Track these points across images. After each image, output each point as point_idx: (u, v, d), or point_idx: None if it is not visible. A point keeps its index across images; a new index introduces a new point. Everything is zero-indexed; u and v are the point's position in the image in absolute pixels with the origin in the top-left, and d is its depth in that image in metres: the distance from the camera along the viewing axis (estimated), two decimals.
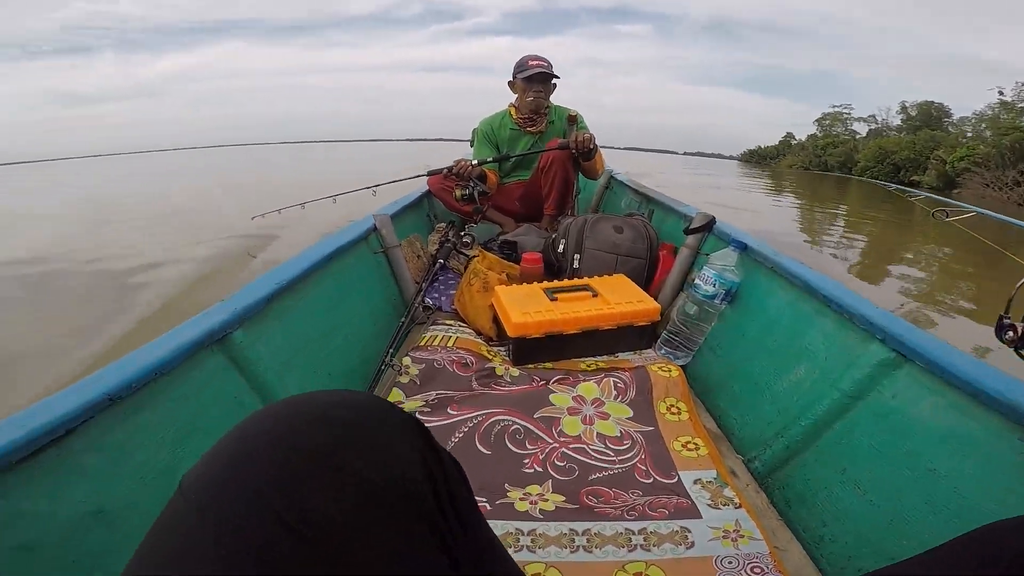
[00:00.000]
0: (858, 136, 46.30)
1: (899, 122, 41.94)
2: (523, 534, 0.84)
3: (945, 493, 0.71)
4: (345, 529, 0.27)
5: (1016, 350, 0.56)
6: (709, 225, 1.59)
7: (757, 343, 1.21)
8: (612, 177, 2.85)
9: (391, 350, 1.24)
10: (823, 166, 45.67)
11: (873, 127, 44.88)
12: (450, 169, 2.22)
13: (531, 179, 2.37)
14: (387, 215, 1.68)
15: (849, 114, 49.19)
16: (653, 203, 2.16)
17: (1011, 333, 0.55)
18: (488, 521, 0.84)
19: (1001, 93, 31.68)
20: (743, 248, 1.33)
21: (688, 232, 1.62)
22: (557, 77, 2.31)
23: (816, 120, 51.30)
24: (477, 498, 0.90)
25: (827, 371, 0.99)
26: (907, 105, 41.60)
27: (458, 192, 2.19)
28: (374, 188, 2.31)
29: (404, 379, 1.19)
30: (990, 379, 0.71)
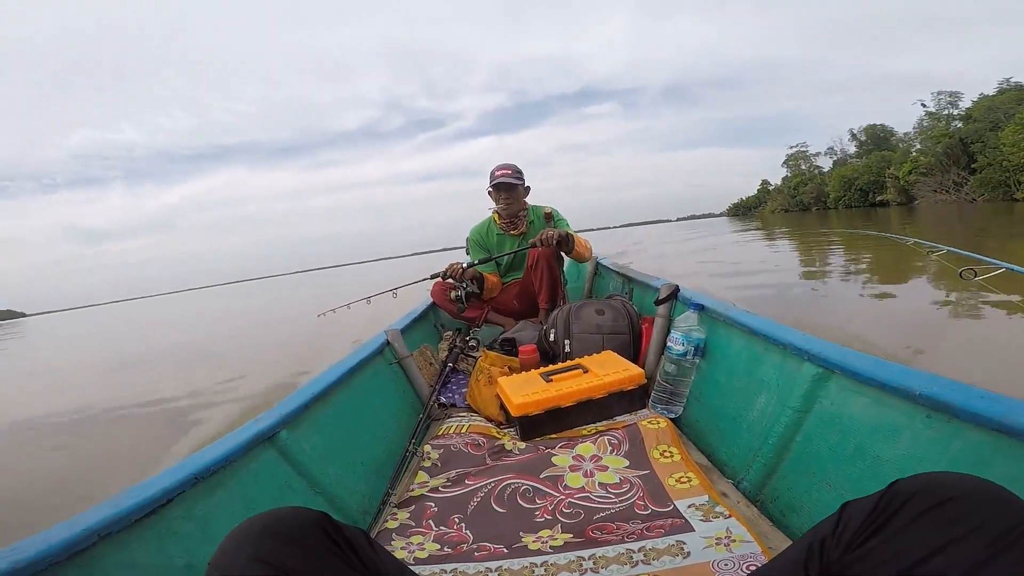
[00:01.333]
0: (824, 170, 47.26)
1: (853, 148, 43.61)
2: (537, 566, 0.97)
3: (892, 474, 0.81)
4: None
5: None
6: (674, 294, 1.80)
7: (728, 385, 1.38)
8: (599, 264, 3.11)
9: (413, 441, 1.43)
10: (800, 205, 47.33)
11: (836, 158, 46.26)
12: (444, 273, 2.48)
13: (524, 278, 2.59)
14: (397, 329, 1.93)
15: (806, 151, 50.73)
16: (633, 282, 2.39)
17: None
18: (507, 561, 1.01)
19: (924, 105, 34.06)
20: (701, 308, 1.53)
21: (658, 303, 1.82)
22: (520, 183, 2.53)
23: (783, 163, 52.82)
24: (495, 545, 1.06)
25: (780, 395, 1.16)
26: (855, 132, 43.60)
27: (452, 294, 2.43)
28: (394, 291, 2.79)
29: (427, 463, 1.36)
30: (893, 374, 0.88)
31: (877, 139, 40.92)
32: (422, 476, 1.33)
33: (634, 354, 1.89)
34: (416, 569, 1.00)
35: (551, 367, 1.76)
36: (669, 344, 1.57)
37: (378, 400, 1.59)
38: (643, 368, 1.68)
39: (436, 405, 1.77)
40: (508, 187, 2.53)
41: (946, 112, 32.06)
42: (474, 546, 1.06)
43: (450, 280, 2.48)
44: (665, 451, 1.32)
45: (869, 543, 0.42)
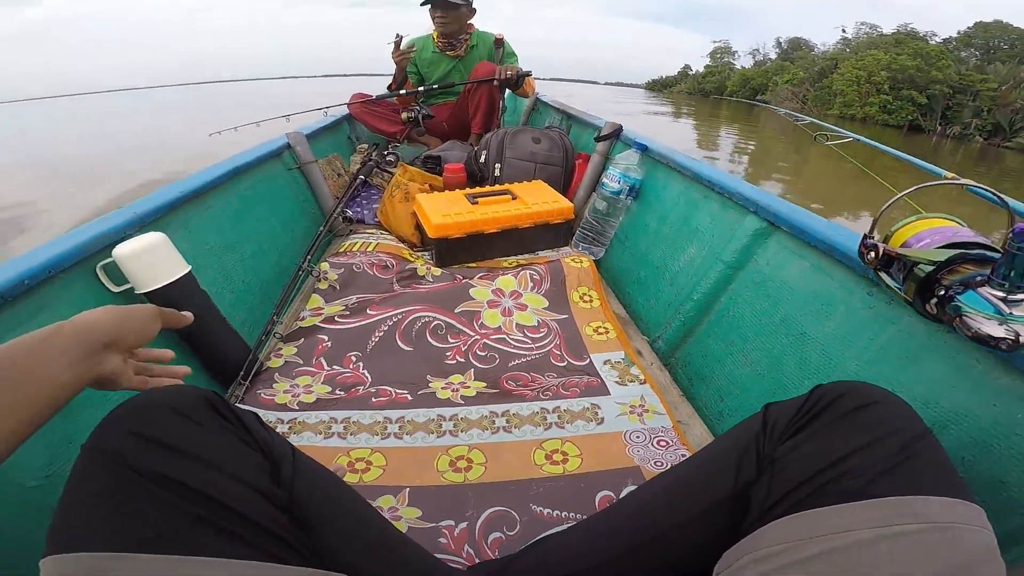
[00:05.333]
0: (736, 67, 49.51)
1: (774, 55, 44.91)
2: (445, 419, 0.83)
3: (815, 355, 0.74)
4: None
5: (876, 271, 0.53)
6: (617, 132, 1.59)
7: (657, 231, 1.23)
8: (538, 99, 2.83)
9: (309, 258, 1.15)
10: (702, 92, 51.00)
11: (758, 59, 47.83)
12: (389, 99, 2.18)
13: (458, 101, 2.26)
14: (301, 133, 1.55)
15: (728, 48, 52.26)
16: (572, 118, 2.14)
17: (872, 254, 0.51)
18: (411, 410, 0.82)
19: (844, 31, 36.19)
20: (644, 149, 1.35)
21: (598, 140, 1.61)
22: (463, 3, 2.14)
23: (708, 53, 53.94)
24: (398, 391, 0.87)
25: (713, 246, 1.02)
26: (781, 40, 45.15)
27: (404, 115, 2.14)
28: (325, 109, 2.22)
29: (323, 285, 1.12)
30: (841, 237, 0.74)
31: (796, 50, 42.45)
32: (315, 301, 1.09)
33: (564, 188, 1.69)
34: (302, 416, 0.80)
35: (479, 189, 1.51)
36: (604, 180, 1.40)
37: (268, 206, 1.26)
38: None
39: (340, 218, 1.48)
40: (445, 5, 2.10)
41: (857, 40, 33.16)
42: (372, 389, 0.89)
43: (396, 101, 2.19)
44: (585, 294, 1.18)
45: (797, 438, 0.42)
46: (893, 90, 24.72)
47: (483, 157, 1.75)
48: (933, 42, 27.82)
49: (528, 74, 2.10)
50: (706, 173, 1.11)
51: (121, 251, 0.70)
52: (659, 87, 64.88)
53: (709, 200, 1.09)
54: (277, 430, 0.77)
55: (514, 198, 1.43)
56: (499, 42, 2.30)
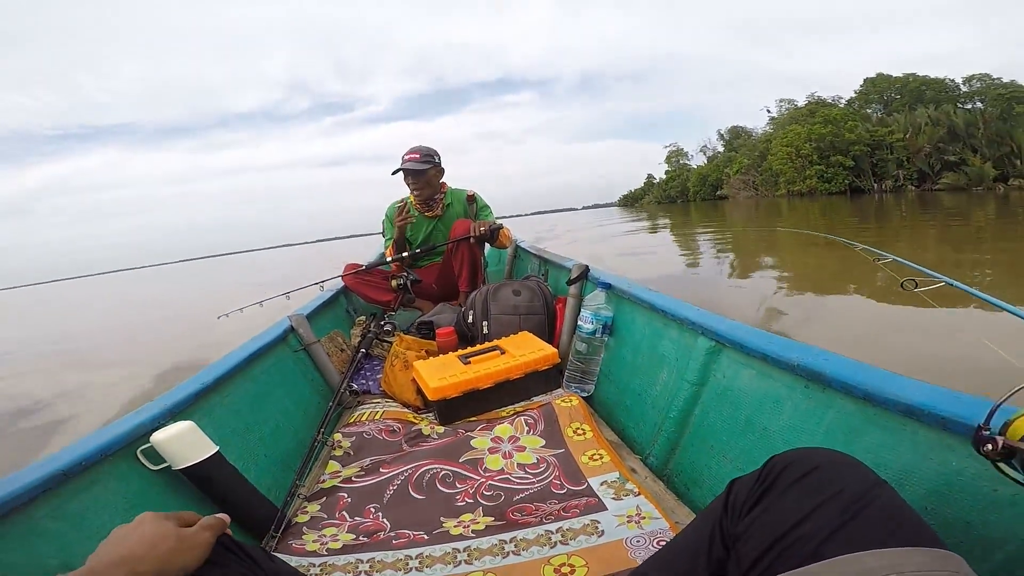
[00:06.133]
0: (692, 167, 48.52)
1: (721, 147, 45.12)
2: (460, 551, 0.91)
3: (778, 445, 0.85)
4: None
5: (995, 463, 0.48)
6: (584, 273, 1.78)
7: (633, 362, 1.38)
8: (518, 246, 3.06)
9: (323, 430, 1.28)
10: (669, 198, 50.85)
11: (709, 155, 47.40)
12: (379, 266, 2.35)
13: (443, 261, 2.45)
14: (302, 315, 1.73)
15: (680, 149, 52.04)
16: (548, 264, 2.36)
17: (990, 446, 0.47)
18: (428, 547, 0.96)
19: (769, 111, 37.72)
20: (608, 287, 1.52)
21: (569, 283, 1.79)
22: (429, 166, 2.31)
23: (664, 159, 53.38)
24: (415, 532, 0.99)
25: (679, 369, 1.16)
26: (722, 132, 45.73)
27: (393, 283, 2.28)
28: (321, 284, 2.45)
29: (338, 452, 1.23)
30: (775, 346, 0.89)
31: (737, 139, 42.22)
32: (333, 466, 1.20)
33: (549, 334, 1.85)
34: (331, 560, 0.91)
35: (469, 349, 1.67)
36: (579, 323, 1.55)
37: (281, 391, 1.41)
38: (558, 347, 1.64)
39: (347, 392, 1.62)
40: (415, 173, 2.33)
41: (781, 116, 35.04)
42: (392, 533, 0.98)
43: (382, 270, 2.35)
44: (578, 429, 1.28)
45: (753, 512, 0.45)
46: (823, 159, 26.22)
47: (470, 317, 1.94)
48: (840, 105, 30.11)
49: (500, 227, 2.27)
50: (660, 303, 1.27)
51: (157, 438, 0.86)
52: (631, 201, 65.37)
53: (669, 327, 1.25)
54: (310, 573, 0.86)
55: (503, 352, 1.59)
56: (471, 198, 2.51)
